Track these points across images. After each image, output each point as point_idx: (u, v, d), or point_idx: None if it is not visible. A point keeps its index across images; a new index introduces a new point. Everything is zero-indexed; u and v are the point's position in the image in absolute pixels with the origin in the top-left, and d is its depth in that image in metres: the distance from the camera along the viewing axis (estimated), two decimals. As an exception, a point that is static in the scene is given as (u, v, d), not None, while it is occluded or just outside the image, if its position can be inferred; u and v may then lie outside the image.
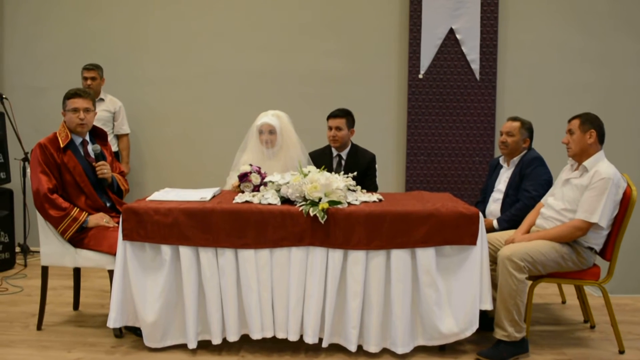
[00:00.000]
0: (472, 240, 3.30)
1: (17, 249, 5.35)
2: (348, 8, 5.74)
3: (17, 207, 5.31)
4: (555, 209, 3.55)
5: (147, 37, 5.84)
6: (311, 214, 3.25)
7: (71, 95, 3.72)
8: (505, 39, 5.64)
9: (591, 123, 3.47)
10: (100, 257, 3.56)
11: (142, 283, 3.35)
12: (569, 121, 3.56)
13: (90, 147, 3.79)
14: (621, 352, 3.48)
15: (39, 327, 3.70)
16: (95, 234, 3.60)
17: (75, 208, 3.62)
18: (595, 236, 3.43)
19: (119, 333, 3.59)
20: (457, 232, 3.30)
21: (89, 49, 5.78)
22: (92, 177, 3.72)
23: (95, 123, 3.89)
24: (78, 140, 3.76)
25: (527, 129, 4.06)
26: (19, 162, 5.26)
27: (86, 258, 3.61)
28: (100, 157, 3.77)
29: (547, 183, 3.92)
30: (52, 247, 3.64)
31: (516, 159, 4.07)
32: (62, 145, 3.65)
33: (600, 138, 3.48)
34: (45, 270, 3.69)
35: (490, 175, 4.30)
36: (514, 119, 4.10)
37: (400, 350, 3.30)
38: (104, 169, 3.73)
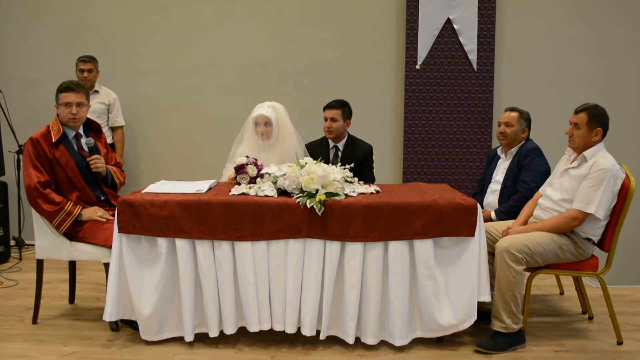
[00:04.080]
0: (470, 231, 3.28)
1: (12, 242, 5.32)
2: (345, -2, 5.71)
3: (11, 200, 5.28)
4: (553, 199, 3.53)
5: (143, 28, 5.79)
6: (308, 205, 3.22)
7: (64, 88, 3.64)
8: (502, 29, 5.61)
9: (599, 120, 3.40)
10: (96, 250, 3.53)
11: (138, 276, 3.32)
12: (577, 112, 3.46)
13: (83, 141, 3.74)
14: (619, 343, 3.48)
15: (34, 321, 3.68)
16: (90, 227, 3.57)
17: (69, 202, 3.59)
18: (593, 227, 3.41)
19: (115, 326, 3.57)
20: (455, 224, 3.28)
21: (85, 40, 5.73)
22: (84, 172, 3.67)
23: (90, 115, 3.84)
24: (71, 134, 3.72)
25: (526, 119, 4.05)
26: (13, 154, 5.22)
27: (81, 251, 3.59)
28: (94, 150, 3.71)
29: (545, 174, 3.91)
30: (47, 241, 3.61)
31: (514, 150, 4.06)
32: (53, 140, 3.60)
33: (605, 134, 3.44)
34: (40, 263, 3.66)
35: (488, 166, 4.29)
36: (512, 109, 4.08)
37: (398, 342, 3.29)
38: (97, 163, 3.67)
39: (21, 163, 5.12)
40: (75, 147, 3.70)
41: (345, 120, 4.39)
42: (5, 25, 5.81)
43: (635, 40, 5.58)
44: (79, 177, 3.65)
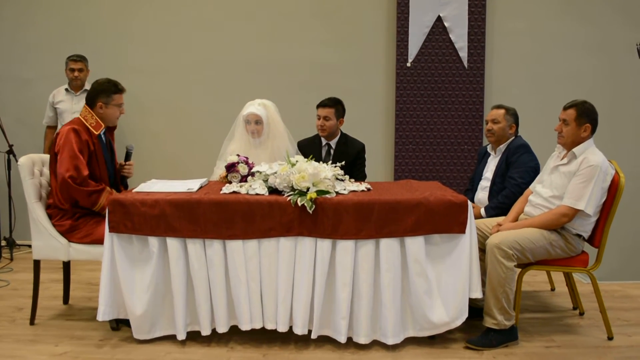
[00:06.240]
0: (461, 228, 3.29)
1: (3, 243, 5.30)
2: (335, -3, 5.71)
3: (2, 200, 5.25)
4: (543, 196, 3.55)
5: (134, 27, 5.77)
6: (299, 203, 3.22)
7: (119, 90, 3.78)
8: (492, 26, 5.62)
9: (587, 116, 3.41)
10: (95, 249, 3.51)
11: (130, 275, 3.32)
12: (565, 108, 3.48)
13: (129, 147, 3.92)
14: (610, 338, 3.50)
15: (32, 322, 3.65)
16: (87, 228, 3.57)
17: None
18: (583, 223, 3.43)
19: (115, 325, 3.55)
20: (446, 221, 3.29)
21: (75, 39, 5.71)
22: (110, 170, 3.75)
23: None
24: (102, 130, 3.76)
25: (512, 115, 4.06)
26: (3, 154, 5.19)
27: (80, 251, 3.56)
28: (130, 156, 3.89)
29: (533, 170, 3.92)
30: (43, 241, 3.58)
31: (503, 147, 4.07)
32: (97, 132, 3.64)
33: (594, 130, 3.46)
34: (37, 264, 3.64)
35: (479, 163, 4.30)
36: (499, 106, 4.10)
37: (390, 341, 3.29)
38: (131, 170, 3.88)
39: (11, 163, 5.13)
40: (105, 142, 3.76)
41: (338, 118, 4.39)
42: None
43: (625, 36, 5.60)
44: (105, 174, 3.68)
